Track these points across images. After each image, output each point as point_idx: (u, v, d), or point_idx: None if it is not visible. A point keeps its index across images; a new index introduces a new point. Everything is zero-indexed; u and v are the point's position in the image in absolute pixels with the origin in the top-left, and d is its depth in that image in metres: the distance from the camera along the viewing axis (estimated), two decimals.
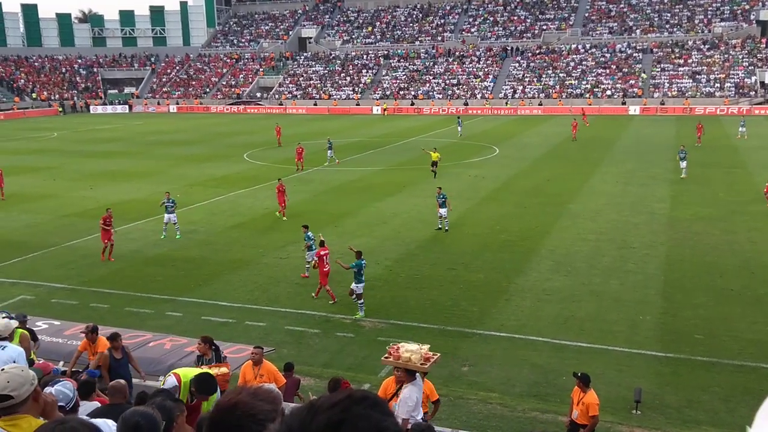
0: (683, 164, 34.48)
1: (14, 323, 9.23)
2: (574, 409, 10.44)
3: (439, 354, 9.54)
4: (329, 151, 41.47)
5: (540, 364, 14.21)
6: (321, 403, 1.56)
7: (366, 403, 1.55)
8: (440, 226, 24.88)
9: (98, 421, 3.52)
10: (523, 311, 17.15)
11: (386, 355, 9.17)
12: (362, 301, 17.03)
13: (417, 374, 8.80)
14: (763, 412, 1.61)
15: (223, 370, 9.24)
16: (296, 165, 38.24)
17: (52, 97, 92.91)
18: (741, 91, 72.64)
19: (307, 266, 20.07)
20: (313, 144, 51.07)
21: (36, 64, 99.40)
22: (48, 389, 5.26)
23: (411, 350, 8.79)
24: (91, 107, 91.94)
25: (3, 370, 3.91)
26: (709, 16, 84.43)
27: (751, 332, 15.56)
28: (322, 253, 18.06)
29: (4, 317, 10.35)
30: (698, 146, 44.60)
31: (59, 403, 5.08)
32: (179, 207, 29.52)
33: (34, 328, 13.91)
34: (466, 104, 79.51)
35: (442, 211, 24.68)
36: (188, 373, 7.55)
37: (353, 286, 17.06)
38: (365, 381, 13.03)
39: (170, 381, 7.45)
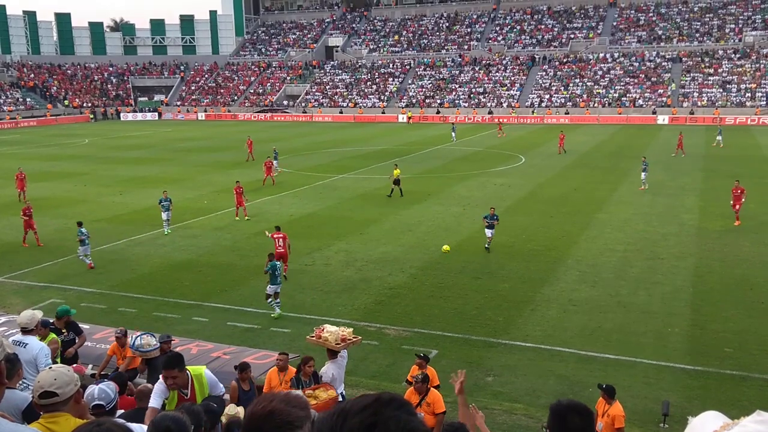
0: (643, 176, 34.04)
1: (39, 314, 9.17)
2: (598, 422, 10.31)
3: (359, 337, 11.07)
4: (275, 161, 40.09)
5: (566, 376, 14.07)
6: (350, 407, 1.60)
7: (394, 404, 1.60)
8: (488, 246, 23.39)
9: (132, 425, 3.59)
10: (549, 321, 17.00)
11: (311, 335, 10.63)
12: (278, 300, 17.65)
13: (339, 354, 10.29)
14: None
15: (332, 393, 9.40)
16: (264, 180, 36.82)
17: (84, 105, 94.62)
18: None
19: (81, 258, 22.14)
20: (335, 152, 51.30)
21: (68, 71, 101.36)
22: (92, 387, 5.33)
23: (330, 331, 10.32)
24: (121, 114, 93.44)
25: (51, 368, 4.03)
26: (740, 25, 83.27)
27: None
28: (274, 236, 20.43)
29: (145, 336, 10.08)
30: (675, 156, 44.65)
31: (100, 402, 5.14)
32: (207, 213, 29.87)
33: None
34: (490, 113, 79.36)
35: (490, 232, 23.26)
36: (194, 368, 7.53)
37: (267, 288, 17.72)
38: (389, 389, 13.02)
39: (158, 390, 7.45)
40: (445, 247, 20.29)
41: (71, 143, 61.91)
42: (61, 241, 25.61)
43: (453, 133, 58.02)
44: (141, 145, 59.55)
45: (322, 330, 10.49)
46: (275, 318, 17.41)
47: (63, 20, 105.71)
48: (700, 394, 13.25)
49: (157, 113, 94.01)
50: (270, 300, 17.73)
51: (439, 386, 11.41)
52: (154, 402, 7.04)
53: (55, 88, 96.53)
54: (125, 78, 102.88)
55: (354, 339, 10.71)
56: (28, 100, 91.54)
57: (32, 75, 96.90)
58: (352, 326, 16.80)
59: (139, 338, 9.92)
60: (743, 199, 26.54)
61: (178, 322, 17.25)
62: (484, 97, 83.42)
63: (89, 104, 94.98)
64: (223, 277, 20.97)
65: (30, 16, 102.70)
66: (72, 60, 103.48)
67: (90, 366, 11.54)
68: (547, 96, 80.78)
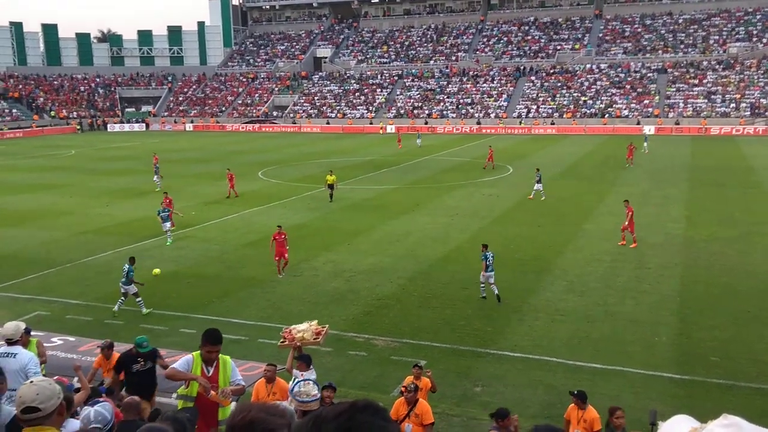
0: (538, 186, 34.35)
1: (23, 325, 9.17)
2: (574, 429, 10.35)
3: (327, 326, 10.98)
4: (156, 176, 40.24)
5: (554, 385, 14.08)
6: (326, 414, 1.63)
7: (369, 411, 1.63)
8: (484, 294, 19.32)
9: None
10: (536, 331, 17.04)
11: (282, 340, 10.30)
12: (138, 299, 18.65)
13: (311, 367, 10.02)
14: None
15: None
16: (228, 192, 36.48)
17: (71, 116, 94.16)
18: (757, 111, 72.28)
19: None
20: (324, 163, 51.33)
21: (55, 83, 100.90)
22: (87, 410, 5.21)
23: (302, 329, 10.11)
24: (108, 125, 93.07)
25: (32, 382, 3.95)
26: (724, 37, 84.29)
27: None
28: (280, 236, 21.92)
29: (307, 384, 9.07)
30: (628, 167, 45.00)
31: (97, 425, 4.98)
32: (195, 224, 29.75)
33: (48, 344, 14.00)
34: (479, 123, 79.78)
35: (487, 275, 19.09)
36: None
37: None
38: (377, 400, 12.95)
39: (184, 359, 7.59)
40: (156, 271, 21.20)
41: (57, 154, 61.55)
42: (46, 253, 25.41)
43: (418, 140, 62.51)
44: (128, 156, 59.30)
45: (291, 331, 10.06)
46: (145, 315, 18.39)
47: (50, 31, 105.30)
48: (687, 403, 13.28)
49: (144, 124, 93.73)
50: (122, 300, 18.71)
51: (435, 391, 11.53)
52: (179, 365, 7.51)
53: (41, 99, 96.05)
54: (112, 89, 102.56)
55: (324, 328, 10.57)
56: (14, 111, 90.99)
57: (19, 86, 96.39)
58: (339, 337, 16.85)
59: (299, 385, 8.73)
60: (626, 221, 24.88)
61: (166, 334, 17.13)
62: (471, 108, 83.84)
63: (76, 115, 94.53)
64: (210, 289, 20.87)
65: (16, 27, 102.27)
66: (59, 71, 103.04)
67: (75, 379, 11.41)
68: (534, 107, 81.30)
